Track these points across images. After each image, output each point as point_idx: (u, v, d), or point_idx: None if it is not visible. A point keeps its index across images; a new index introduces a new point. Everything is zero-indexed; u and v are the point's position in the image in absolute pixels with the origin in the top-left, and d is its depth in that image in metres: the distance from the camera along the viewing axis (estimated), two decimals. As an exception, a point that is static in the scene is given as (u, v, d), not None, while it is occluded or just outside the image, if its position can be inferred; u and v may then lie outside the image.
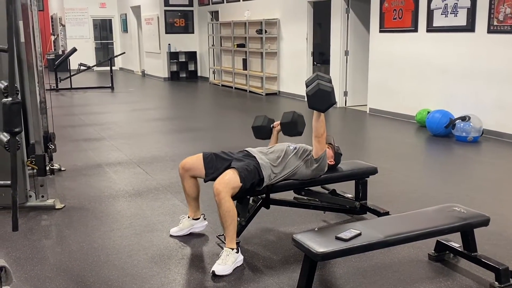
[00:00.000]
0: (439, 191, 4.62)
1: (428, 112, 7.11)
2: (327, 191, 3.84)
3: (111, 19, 19.50)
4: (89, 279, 2.97)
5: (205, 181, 3.38)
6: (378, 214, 3.70)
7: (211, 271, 2.99)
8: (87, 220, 3.92)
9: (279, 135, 3.78)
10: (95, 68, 17.41)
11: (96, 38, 19.61)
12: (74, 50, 12.69)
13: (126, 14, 18.15)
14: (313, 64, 10.68)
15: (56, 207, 4.15)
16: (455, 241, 3.09)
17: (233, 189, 3.09)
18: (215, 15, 14.33)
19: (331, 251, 2.46)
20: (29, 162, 4.10)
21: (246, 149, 3.49)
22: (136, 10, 17.01)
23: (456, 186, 4.77)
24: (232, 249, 3.08)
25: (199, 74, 15.47)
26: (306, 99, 3.33)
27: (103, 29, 20.01)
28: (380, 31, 8.43)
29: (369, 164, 3.88)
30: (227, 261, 3.02)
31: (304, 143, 3.59)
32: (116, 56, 14.94)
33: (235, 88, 12.74)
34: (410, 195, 4.48)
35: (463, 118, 6.43)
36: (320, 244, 2.50)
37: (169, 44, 14.94)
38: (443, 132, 6.70)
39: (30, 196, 4.16)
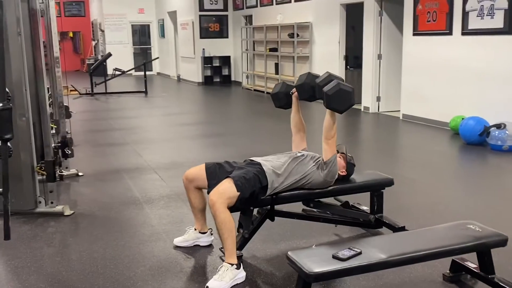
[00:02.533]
0: (464, 204, 4.34)
1: (462, 119, 6.75)
2: (339, 203, 3.64)
3: (149, 25, 19.74)
4: (81, 291, 2.88)
5: (208, 193, 3.23)
6: (393, 229, 3.46)
7: (206, 287, 2.84)
8: (93, 228, 3.85)
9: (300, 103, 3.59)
10: (133, 73, 17.67)
11: (135, 44, 19.89)
12: (109, 55, 12.86)
13: (163, 20, 18.33)
14: (346, 68, 10.41)
15: (65, 213, 4.10)
16: (472, 261, 2.84)
17: (230, 199, 2.93)
18: (249, 19, 14.25)
19: (325, 272, 2.27)
20: (38, 168, 4.07)
21: (251, 158, 3.33)
22: (173, 15, 17.14)
23: (484, 200, 4.46)
24: (232, 264, 2.92)
25: (232, 79, 15.42)
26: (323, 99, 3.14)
27: (142, 34, 20.29)
28: (414, 34, 8.10)
29: (385, 175, 3.65)
30: (224, 277, 2.86)
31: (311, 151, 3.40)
32: (150, 61, 15.05)
33: (267, 92, 12.59)
34: (432, 208, 4.20)
35: (498, 126, 6.07)
36: (315, 263, 2.31)
37: (203, 49, 14.96)
38: (477, 140, 6.34)
39: (40, 202, 4.13)
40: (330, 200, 3.57)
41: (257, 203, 3.18)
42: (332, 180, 3.29)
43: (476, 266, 2.77)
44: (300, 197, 3.32)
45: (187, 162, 5.79)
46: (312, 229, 3.67)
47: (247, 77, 14.31)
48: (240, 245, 3.26)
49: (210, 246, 3.46)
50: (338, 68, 10.21)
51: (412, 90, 8.29)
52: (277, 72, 12.32)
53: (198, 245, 3.44)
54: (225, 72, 15.36)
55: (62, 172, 4.09)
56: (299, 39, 11.28)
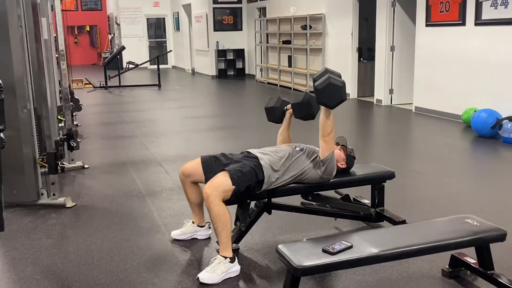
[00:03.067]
0: (471, 199, 4.24)
1: (475, 112, 6.61)
2: (340, 196, 3.58)
3: (164, 18, 19.76)
4: (75, 283, 2.87)
5: None
6: (394, 222, 3.39)
7: (196, 277, 2.82)
8: (93, 220, 3.85)
9: (292, 119, 3.54)
10: (148, 66, 17.78)
11: (150, 37, 19.93)
12: (122, 48, 12.90)
13: (178, 13, 18.33)
14: (359, 61, 10.29)
15: (67, 205, 4.11)
16: (471, 257, 2.76)
17: (225, 193, 2.90)
18: (262, 11, 14.16)
19: (313, 266, 2.22)
20: (40, 160, 4.09)
21: (248, 150, 3.28)
22: (187, 8, 17.13)
23: (492, 194, 4.36)
24: (226, 257, 2.89)
25: (246, 72, 15.37)
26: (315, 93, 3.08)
27: (157, 27, 20.33)
28: (427, 25, 7.95)
29: (386, 168, 3.58)
30: (216, 270, 2.83)
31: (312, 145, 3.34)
32: (163, 54, 15.01)
33: (280, 85, 12.52)
34: (437, 202, 4.11)
35: (511, 118, 5.92)
36: (303, 257, 2.27)
37: (217, 42, 14.93)
38: (489, 133, 6.20)
39: (42, 194, 4.15)
40: (330, 193, 3.52)
41: (253, 196, 3.14)
42: (330, 177, 3.23)
43: (475, 261, 2.70)
44: (298, 190, 3.27)
45: (193, 155, 5.68)
46: (311, 223, 3.62)
47: (260, 70, 14.24)
48: (237, 239, 3.24)
49: (208, 239, 3.43)
50: (351, 61, 10.11)
51: (424, 82, 8.15)
52: (290, 65, 12.24)
53: (196, 238, 3.41)
54: (239, 65, 15.31)
55: (63, 164, 4.09)
56: (312, 31, 11.17)
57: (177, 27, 18.76)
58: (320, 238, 2.87)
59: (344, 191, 3.61)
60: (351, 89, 10.23)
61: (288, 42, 12.25)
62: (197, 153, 5.75)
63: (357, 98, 10.25)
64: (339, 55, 10.49)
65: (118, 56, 13.15)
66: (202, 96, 12.12)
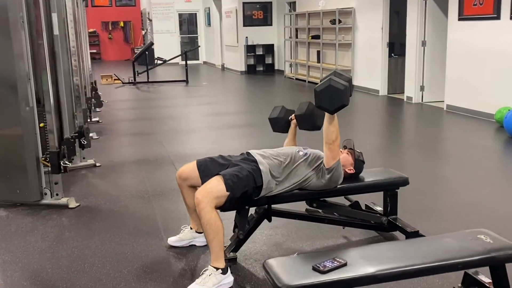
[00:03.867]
0: (497, 208, 3.91)
1: (508, 111, 6.20)
2: (349, 202, 3.33)
3: (196, 13, 19.70)
4: (60, 291, 2.74)
5: None
6: (406, 233, 3.13)
7: (186, 291, 2.65)
8: (93, 222, 3.73)
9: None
10: (180, 62, 17.77)
11: (183, 32, 19.92)
12: (151, 44, 12.88)
13: (209, 8, 18.23)
14: (390, 56, 9.91)
15: (70, 206, 4.01)
16: (486, 275, 2.48)
17: (217, 199, 2.70)
18: (292, 5, 13.89)
19: (298, 286, 2.00)
20: (43, 159, 3.99)
21: (248, 151, 3.08)
22: (218, 3, 17.00)
23: (521, 201, 4.02)
24: (217, 268, 2.70)
25: (276, 68, 15.13)
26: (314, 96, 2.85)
27: (190, 23, 20.29)
28: (459, 19, 7.54)
29: (399, 173, 3.31)
30: (206, 282, 2.64)
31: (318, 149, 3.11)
32: (191, 50, 14.83)
33: (308, 81, 12.24)
34: (459, 211, 3.82)
35: (547, 118, 5.52)
36: (289, 275, 2.05)
37: (246, 37, 14.74)
38: (523, 134, 5.80)
39: (45, 194, 4.06)
40: (339, 199, 3.28)
41: (251, 202, 2.94)
42: (336, 184, 2.99)
43: (490, 281, 2.42)
44: (300, 197, 3.05)
45: (208, 154, 5.56)
46: (319, 230, 3.39)
47: (290, 65, 13.98)
48: (235, 247, 3.04)
49: (206, 246, 3.24)
50: (381, 56, 9.75)
51: (456, 79, 7.74)
52: (319, 61, 11.93)
53: (194, 245, 3.24)
54: (268, 60, 15.08)
55: (66, 163, 3.98)
56: (341, 26, 10.85)
57: (208, 23, 18.66)
58: (313, 253, 2.66)
59: (355, 197, 3.36)
60: (381, 86, 9.88)
61: (317, 37, 11.95)
62: (212, 151, 5.57)
63: (387, 95, 9.88)
64: (369, 50, 10.14)
65: (147, 52, 13.10)
66: (228, 93, 11.96)
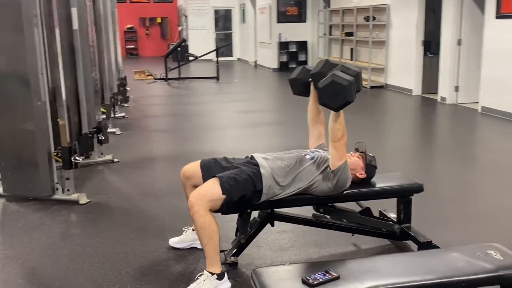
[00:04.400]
0: (523, 216, 3.67)
1: (546, 114, 5.86)
2: (361, 208, 3.17)
3: (231, 10, 19.64)
4: (55, 291, 2.69)
5: None
6: (418, 243, 2.95)
7: (179, 296, 2.56)
8: (101, 219, 3.68)
9: None
10: (214, 58, 17.79)
11: (219, 29, 19.90)
12: (183, 40, 12.91)
13: (244, 4, 18.14)
14: (425, 55, 9.58)
15: (80, 202, 3.98)
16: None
17: (212, 202, 2.59)
18: (327, 1, 13.63)
19: (284, 300, 1.88)
20: (55, 154, 3.98)
21: (253, 154, 2.95)
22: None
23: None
24: (212, 274, 2.60)
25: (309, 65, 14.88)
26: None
27: (226, 20, 20.26)
28: (497, 17, 7.19)
29: (414, 179, 3.12)
30: (201, 287, 2.54)
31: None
32: (222, 47, 14.69)
33: (341, 80, 11.97)
34: (480, 220, 3.60)
35: None
36: (275, 286, 1.93)
37: (279, 34, 14.57)
38: (561, 139, 5.46)
39: (57, 189, 4.04)
40: (351, 205, 3.12)
41: (252, 206, 2.81)
42: (342, 189, 2.84)
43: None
44: (305, 201, 2.91)
45: (227, 153, 5.48)
46: (328, 237, 3.24)
47: (324, 63, 13.71)
48: (236, 251, 2.94)
49: (209, 249, 3.15)
50: (415, 54, 9.43)
51: (492, 79, 7.39)
52: (352, 58, 11.67)
53: (195, 248, 3.14)
54: (301, 58, 14.86)
55: (77, 159, 3.95)
56: (375, 23, 10.56)
57: (243, 19, 18.58)
58: (307, 264, 2.51)
59: (367, 204, 3.20)
60: (415, 85, 9.55)
61: (351, 34, 11.69)
62: (231, 150, 5.53)
63: (421, 94, 9.55)
64: (403, 48, 9.83)
65: (179, 48, 13.12)
66: (259, 90, 11.84)
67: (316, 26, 14.09)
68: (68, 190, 4.05)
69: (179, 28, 21.34)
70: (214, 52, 18.02)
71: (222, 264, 2.87)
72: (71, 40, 4.57)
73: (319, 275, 1.99)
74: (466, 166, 5.09)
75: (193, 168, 2.98)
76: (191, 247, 3.14)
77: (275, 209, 2.94)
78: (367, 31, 10.95)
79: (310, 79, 3.17)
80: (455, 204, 3.94)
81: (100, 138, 4.99)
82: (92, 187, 4.40)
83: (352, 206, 3.15)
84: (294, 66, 14.84)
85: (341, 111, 2.71)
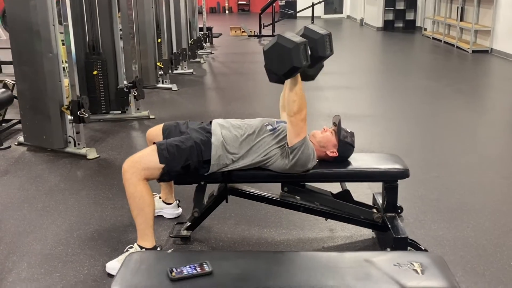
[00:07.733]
0: None
1: None
2: (341, 190, 2.76)
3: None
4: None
5: None
6: (392, 237, 2.49)
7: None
8: (96, 176, 3.65)
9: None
10: (322, 16, 17.31)
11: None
12: (278, -4, 12.44)
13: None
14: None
15: (88, 157, 3.99)
16: None
17: (147, 171, 2.37)
18: (440, -45, 12.27)
19: (127, 291, 1.64)
20: (65, 107, 3.99)
21: (214, 120, 2.67)
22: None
23: None
24: (142, 248, 2.41)
25: (417, 25, 13.67)
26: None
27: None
28: None
29: (401, 163, 2.62)
30: (124, 261, 2.37)
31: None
32: (317, 3, 13.82)
33: (444, 42, 10.84)
34: (487, 212, 2.97)
35: None
36: (132, 275, 1.70)
37: (386, -11, 13.53)
38: None
39: (70, 142, 4.09)
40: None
41: (203, 178, 2.55)
42: (304, 168, 2.46)
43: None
44: (262, 178, 2.57)
45: (270, 115, 5.22)
46: (304, 217, 2.88)
47: (433, 23, 12.53)
48: (190, 225, 2.74)
49: (175, 219, 2.96)
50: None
51: None
52: (458, 18, 10.46)
53: (162, 216, 2.98)
54: (409, 16, 13.71)
55: (83, 114, 3.92)
56: (485, -22, 9.30)
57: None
58: (191, 253, 2.22)
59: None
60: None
61: (459, -9, 10.44)
62: (271, 115, 5.22)
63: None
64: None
65: (274, 4, 12.73)
66: (350, 51, 11.07)
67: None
68: (79, 144, 4.07)
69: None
70: (322, 9, 17.50)
71: (172, 237, 2.71)
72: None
73: (189, 268, 1.72)
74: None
75: (156, 131, 2.78)
76: (157, 215, 2.96)
77: (231, 184, 2.65)
78: (476, -13, 9.69)
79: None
80: (465, 192, 3.32)
81: (133, 93, 4.96)
82: (112, 142, 4.40)
83: (332, 187, 2.76)
84: (400, 25, 13.82)
85: (300, 80, 2.33)
